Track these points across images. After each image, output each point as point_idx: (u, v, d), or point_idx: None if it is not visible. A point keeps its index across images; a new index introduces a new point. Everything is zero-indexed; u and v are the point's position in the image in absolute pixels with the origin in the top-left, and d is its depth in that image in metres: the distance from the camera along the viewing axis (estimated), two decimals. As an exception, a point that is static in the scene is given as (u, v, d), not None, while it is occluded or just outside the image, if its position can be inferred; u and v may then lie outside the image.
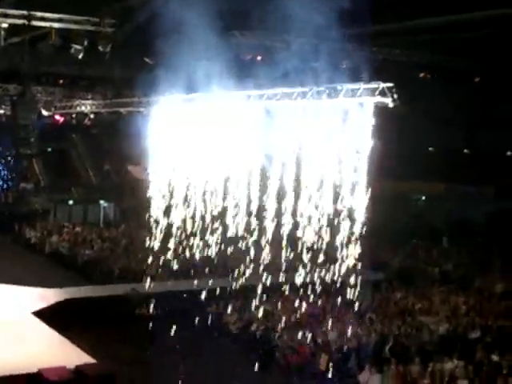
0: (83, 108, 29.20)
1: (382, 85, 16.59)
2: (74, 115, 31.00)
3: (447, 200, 43.50)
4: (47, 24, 21.68)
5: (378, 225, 20.88)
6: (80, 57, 22.07)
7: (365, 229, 19.34)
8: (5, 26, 24.87)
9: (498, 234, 38.72)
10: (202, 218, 24.16)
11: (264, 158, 20.98)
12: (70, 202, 48.35)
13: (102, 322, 25.50)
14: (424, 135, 42.24)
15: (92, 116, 29.33)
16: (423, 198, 46.91)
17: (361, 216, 18.80)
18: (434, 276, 33.99)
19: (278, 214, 21.46)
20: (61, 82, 34.68)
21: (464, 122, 41.69)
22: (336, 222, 19.96)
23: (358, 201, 18.55)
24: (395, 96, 16.32)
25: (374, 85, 16.82)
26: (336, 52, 24.06)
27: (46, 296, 27.37)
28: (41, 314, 24.83)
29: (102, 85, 34.20)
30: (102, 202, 49.15)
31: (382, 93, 16.52)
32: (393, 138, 18.64)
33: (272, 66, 20.97)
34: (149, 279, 30.15)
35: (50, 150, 46.43)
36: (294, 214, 20.80)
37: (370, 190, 18.32)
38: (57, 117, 32.68)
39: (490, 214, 41.46)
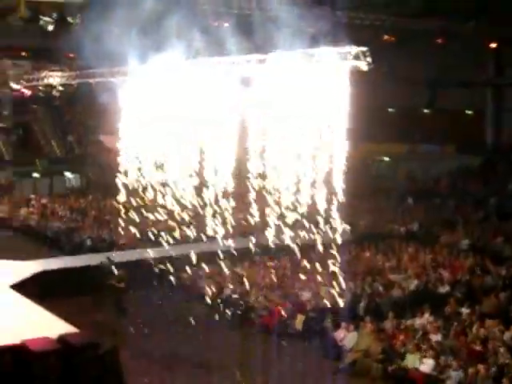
0: (52, 80, 29.00)
1: (356, 49, 16.80)
2: (41, 88, 30.82)
3: (410, 160, 44.11)
4: (15, -3, 21.57)
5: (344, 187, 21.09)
6: (50, 29, 21.98)
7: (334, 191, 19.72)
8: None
9: (459, 190, 39.44)
10: (175, 184, 24.13)
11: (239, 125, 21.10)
12: (35, 175, 48.22)
13: (79, 292, 25.75)
14: (386, 97, 42.71)
15: (60, 88, 29.15)
16: (386, 159, 47.38)
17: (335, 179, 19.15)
18: (400, 235, 34.56)
19: (252, 178, 21.66)
20: (27, 54, 34.48)
21: (425, 82, 42.34)
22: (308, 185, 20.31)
23: (335, 165, 18.89)
24: (369, 60, 16.60)
25: (347, 49, 17.02)
26: (301, 17, 24.29)
27: (22, 269, 27.48)
28: (18, 287, 24.85)
29: (69, 56, 34.08)
30: (67, 173, 49.11)
31: (356, 57, 16.79)
32: (354, 100, 18.84)
33: (240, 33, 21.10)
34: (122, 248, 30.47)
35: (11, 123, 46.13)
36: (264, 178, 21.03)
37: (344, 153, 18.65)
38: (24, 90, 32.49)
39: (452, 172, 42.14)
